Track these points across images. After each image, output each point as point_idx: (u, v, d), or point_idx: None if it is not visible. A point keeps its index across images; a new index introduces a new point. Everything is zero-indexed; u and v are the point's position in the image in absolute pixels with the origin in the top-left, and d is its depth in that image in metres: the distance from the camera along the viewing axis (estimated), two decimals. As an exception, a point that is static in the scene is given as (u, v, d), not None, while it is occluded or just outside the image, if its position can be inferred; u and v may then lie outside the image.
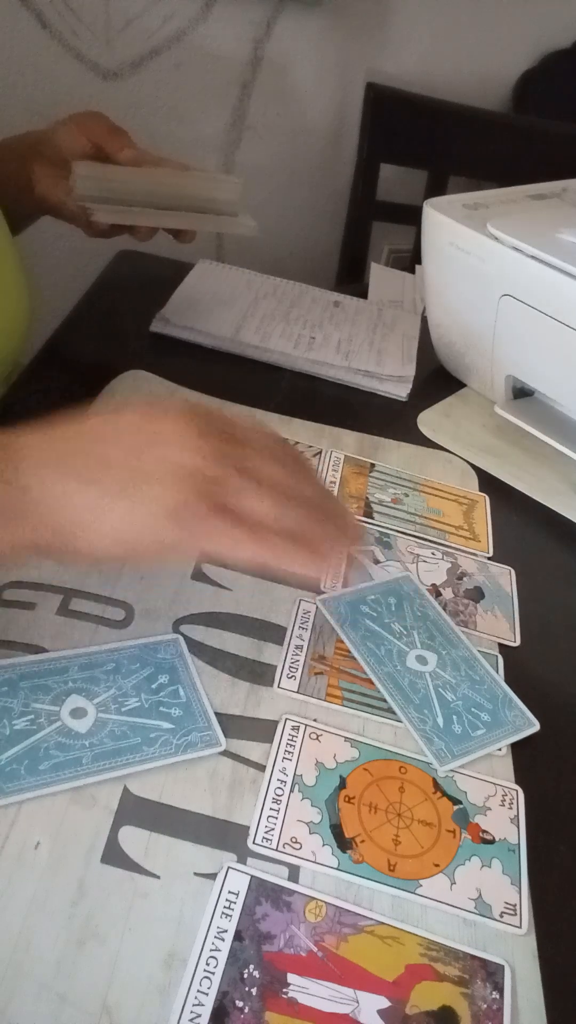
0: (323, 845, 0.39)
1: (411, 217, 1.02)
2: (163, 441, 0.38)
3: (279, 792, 0.41)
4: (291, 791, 0.41)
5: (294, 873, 0.38)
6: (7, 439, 0.38)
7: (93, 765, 0.39)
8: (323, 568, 0.38)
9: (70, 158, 0.65)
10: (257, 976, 0.34)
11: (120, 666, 0.44)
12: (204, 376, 0.68)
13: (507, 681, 0.49)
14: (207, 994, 0.33)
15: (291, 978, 0.34)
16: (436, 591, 0.54)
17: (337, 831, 0.40)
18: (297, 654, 0.48)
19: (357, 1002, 0.34)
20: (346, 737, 0.44)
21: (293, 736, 0.43)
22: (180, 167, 0.69)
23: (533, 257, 0.61)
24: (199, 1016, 0.33)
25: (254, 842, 0.38)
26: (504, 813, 0.42)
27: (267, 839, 0.39)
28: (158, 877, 0.37)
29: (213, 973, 0.34)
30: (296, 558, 0.38)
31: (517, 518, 0.63)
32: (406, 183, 1.33)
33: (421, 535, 0.59)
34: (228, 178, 0.70)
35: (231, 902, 0.36)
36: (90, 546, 0.37)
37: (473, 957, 0.36)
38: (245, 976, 0.34)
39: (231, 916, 0.36)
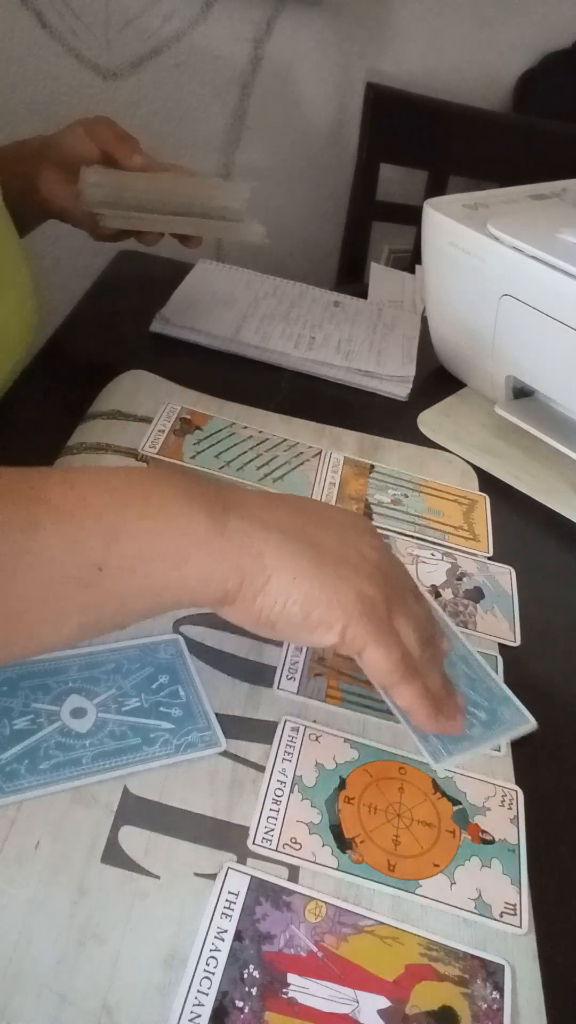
0: (323, 845, 0.39)
1: (411, 217, 1.02)
2: (361, 539, 0.41)
3: (279, 793, 0.41)
4: (291, 792, 0.41)
5: (294, 873, 0.38)
6: (227, 495, 0.39)
7: (93, 765, 0.39)
8: (431, 728, 0.41)
9: (79, 164, 0.65)
10: (257, 976, 0.34)
11: (120, 666, 0.44)
12: (204, 376, 0.68)
13: (507, 681, 0.49)
14: (207, 994, 0.33)
15: (291, 978, 0.34)
16: (436, 592, 0.54)
17: (337, 831, 0.40)
18: (297, 655, 0.48)
19: (357, 1002, 0.34)
20: (345, 738, 0.44)
21: (293, 737, 0.43)
22: (188, 173, 0.69)
23: (533, 257, 0.61)
24: (199, 1016, 0.33)
25: (254, 842, 0.38)
26: (504, 813, 0.42)
27: (267, 839, 0.39)
28: (158, 877, 0.37)
29: (213, 973, 0.34)
30: (423, 708, 0.40)
31: (517, 518, 0.63)
32: (406, 183, 1.33)
33: (421, 536, 0.59)
34: (236, 185, 0.69)
35: (231, 902, 0.36)
36: (271, 602, 0.37)
37: (473, 957, 0.36)
38: (245, 976, 0.34)
39: (231, 916, 0.36)
